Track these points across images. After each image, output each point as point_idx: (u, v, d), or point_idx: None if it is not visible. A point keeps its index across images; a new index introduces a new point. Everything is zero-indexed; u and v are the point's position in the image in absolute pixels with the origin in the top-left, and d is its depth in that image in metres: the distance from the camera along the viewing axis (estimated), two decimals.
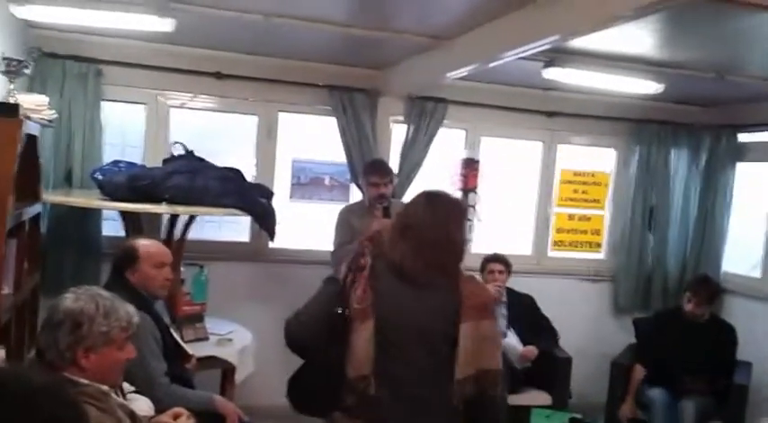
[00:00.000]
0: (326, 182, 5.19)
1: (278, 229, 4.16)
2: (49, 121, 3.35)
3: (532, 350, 4.53)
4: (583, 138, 5.67)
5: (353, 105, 4.92)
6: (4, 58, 2.84)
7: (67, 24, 3.95)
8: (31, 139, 2.99)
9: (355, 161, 4.92)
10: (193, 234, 4.34)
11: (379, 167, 4.47)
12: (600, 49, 3.93)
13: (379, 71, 5.00)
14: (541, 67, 4.12)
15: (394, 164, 4.91)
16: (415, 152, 5.05)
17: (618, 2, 2.70)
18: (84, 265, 4.40)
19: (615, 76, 4.28)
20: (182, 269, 4.11)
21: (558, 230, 5.68)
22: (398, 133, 5.13)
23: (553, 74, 4.17)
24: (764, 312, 5.06)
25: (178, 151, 4.16)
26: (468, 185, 5.32)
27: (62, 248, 4.35)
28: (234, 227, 5.00)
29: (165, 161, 4.16)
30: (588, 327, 5.57)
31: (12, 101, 2.78)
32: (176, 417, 2.49)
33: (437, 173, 5.31)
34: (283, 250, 4.99)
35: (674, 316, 4.72)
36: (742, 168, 5.50)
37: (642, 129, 5.56)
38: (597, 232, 5.76)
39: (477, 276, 3.50)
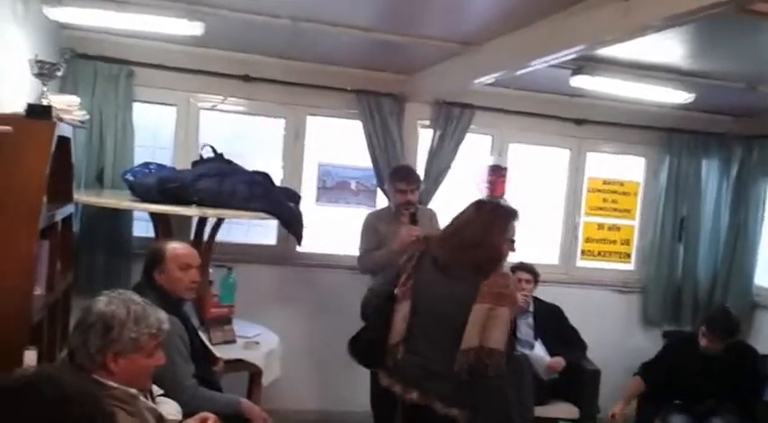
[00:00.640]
0: (353, 186, 5.19)
1: (305, 233, 4.17)
2: (81, 122, 3.39)
3: (560, 362, 4.49)
4: (612, 146, 5.61)
5: (380, 110, 4.92)
6: (38, 61, 2.87)
7: (99, 26, 3.99)
8: (64, 141, 3.02)
9: (381, 166, 4.91)
10: (221, 236, 4.35)
11: (406, 174, 4.44)
12: (629, 58, 3.90)
13: (406, 76, 4.99)
14: (569, 74, 4.09)
15: (420, 169, 4.90)
16: (441, 158, 5.04)
17: (646, 12, 2.67)
18: (116, 266, 4.44)
19: (644, 85, 4.24)
20: (210, 271, 4.13)
21: (587, 240, 5.62)
22: (425, 138, 5.12)
23: (581, 82, 4.14)
24: None
25: (207, 154, 4.18)
26: (496, 192, 5.30)
27: (94, 248, 4.39)
28: (261, 230, 5.01)
29: (194, 164, 4.18)
30: (617, 339, 5.48)
31: (44, 103, 2.81)
32: (203, 421, 2.50)
33: (464, 179, 5.30)
34: (310, 254, 4.99)
35: (688, 346, 4.39)
36: None
37: (672, 138, 5.49)
38: (627, 242, 5.70)
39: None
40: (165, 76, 4.59)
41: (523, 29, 3.50)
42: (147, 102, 4.66)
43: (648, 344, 5.35)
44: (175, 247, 3.18)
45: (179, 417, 2.56)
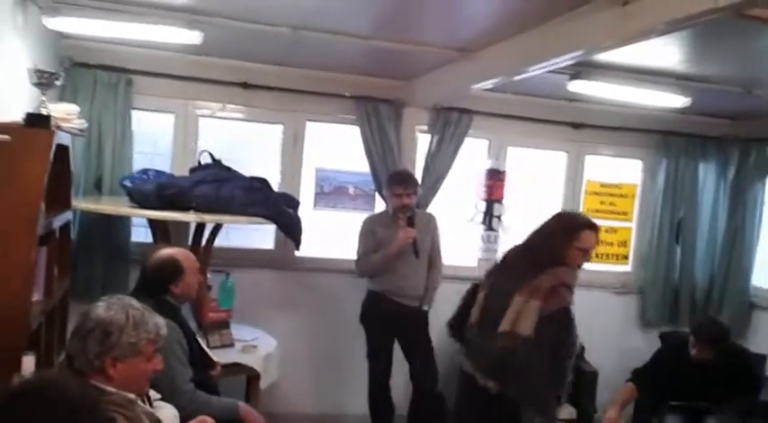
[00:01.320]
0: (350, 191, 5.21)
1: (303, 238, 4.19)
2: (80, 130, 3.41)
3: None
4: (609, 149, 5.64)
5: (378, 116, 4.95)
6: (36, 71, 2.90)
7: (98, 35, 4.02)
8: (63, 149, 3.05)
9: (379, 171, 4.94)
10: (219, 241, 4.39)
11: (403, 178, 4.48)
12: (626, 63, 3.92)
13: (404, 82, 5.02)
14: (567, 79, 4.11)
15: (418, 174, 4.93)
16: (439, 162, 5.07)
17: (643, 18, 2.69)
18: (114, 271, 4.46)
19: (641, 90, 4.26)
20: (208, 276, 4.16)
21: None
22: (423, 144, 5.15)
23: (579, 87, 4.17)
24: None
25: (205, 160, 4.21)
26: (493, 196, 5.33)
27: (92, 254, 4.42)
28: (260, 235, 5.04)
29: (192, 170, 4.22)
30: (614, 340, 5.51)
31: (43, 112, 2.83)
32: None
33: (462, 183, 5.33)
34: (308, 258, 5.02)
35: (681, 351, 4.30)
36: None
37: (669, 141, 5.52)
38: (624, 244, 5.72)
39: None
40: (164, 84, 4.63)
41: (521, 35, 3.52)
42: (146, 109, 4.70)
43: (646, 345, 5.33)
44: (184, 254, 3.20)
45: (177, 421, 2.58)
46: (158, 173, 4.22)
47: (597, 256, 5.65)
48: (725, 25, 2.91)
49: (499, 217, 5.36)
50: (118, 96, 4.44)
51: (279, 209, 4.03)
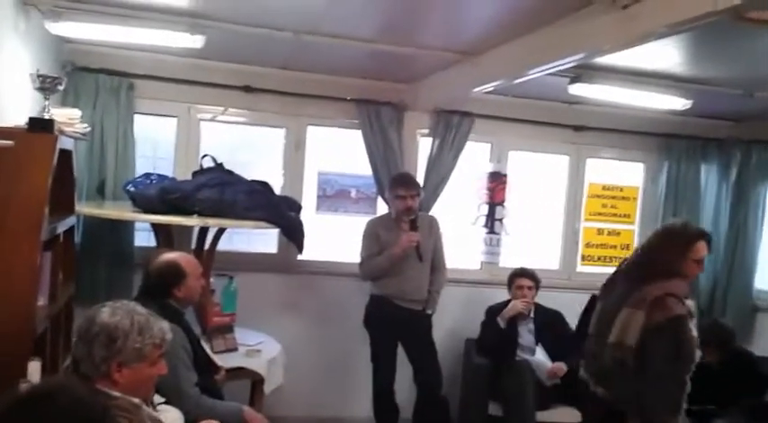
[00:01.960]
0: (353, 194, 5.21)
1: (306, 241, 4.19)
2: (83, 134, 3.42)
3: (561, 367, 4.50)
4: (610, 152, 5.64)
5: (380, 119, 4.96)
6: (39, 75, 2.90)
7: (100, 40, 4.03)
8: (66, 154, 3.05)
9: (381, 174, 4.95)
10: (223, 245, 4.38)
11: (406, 181, 4.48)
12: (626, 66, 3.92)
13: (406, 85, 5.03)
14: (568, 82, 4.12)
15: (420, 177, 4.93)
16: (441, 166, 5.06)
17: (644, 21, 2.70)
18: (117, 276, 4.46)
19: (642, 92, 4.26)
20: (212, 280, 4.15)
21: (587, 245, 5.64)
22: (425, 147, 5.15)
23: (579, 90, 4.17)
24: None
25: (208, 164, 4.21)
26: (495, 199, 5.34)
27: (95, 259, 4.42)
28: (263, 238, 5.04)
29: (194, 174, 4.21)
30: None
31: (46, 116, 2.84)
32: None
33: (464, 186, 5.33)
34: (311, 262, 5.02)
35: None
36: None
37: (671, 143, 5.52)
38: (627, 247, 5.70)
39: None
40: (166, 88, 4.63)
41: (522, 38, 3.53)
42: (148, 113, 4.70)
43: None
44: (187, 259, 3.20)
45: None
46: (161, 177, 4.22)
47: (599, 258, 5.66)
48: (724, 28, 2.90)
49: (501, 220, 5.36)
50: (120, 100, 4.45)
51: (281, 212, 4.03)
